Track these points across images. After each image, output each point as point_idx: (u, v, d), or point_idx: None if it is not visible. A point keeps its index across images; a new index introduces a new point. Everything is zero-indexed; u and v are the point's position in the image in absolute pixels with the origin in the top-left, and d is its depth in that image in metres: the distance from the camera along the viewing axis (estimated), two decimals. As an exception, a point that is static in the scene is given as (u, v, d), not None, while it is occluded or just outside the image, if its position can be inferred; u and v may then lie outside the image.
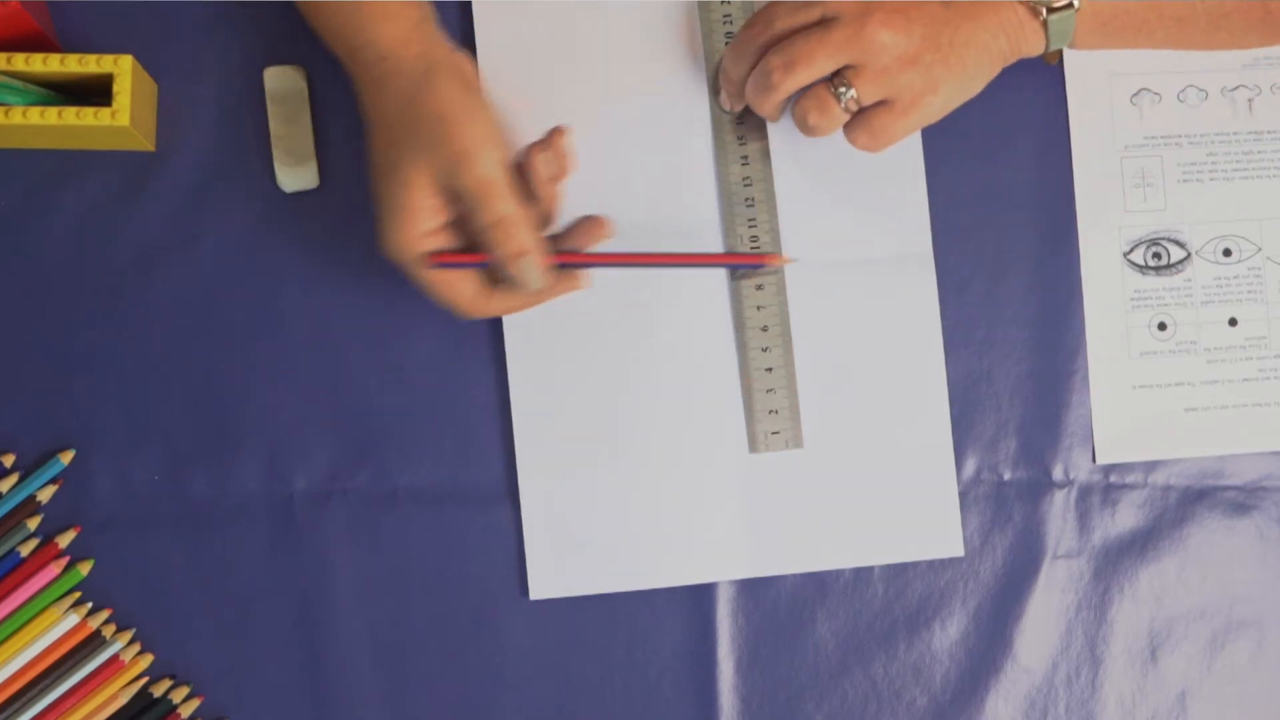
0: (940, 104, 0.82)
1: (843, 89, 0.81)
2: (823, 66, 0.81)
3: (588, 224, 0.83)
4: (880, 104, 0.82)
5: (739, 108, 0.88)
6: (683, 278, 0.89)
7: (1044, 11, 0.82)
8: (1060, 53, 0.90)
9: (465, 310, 0.83)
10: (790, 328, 0.89)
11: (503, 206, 0.79)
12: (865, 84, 0.81)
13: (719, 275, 0.89)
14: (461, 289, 0.82)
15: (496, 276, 0.82)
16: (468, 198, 0.79)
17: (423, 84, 0.80)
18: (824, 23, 0.81)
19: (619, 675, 0.88)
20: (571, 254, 0.83)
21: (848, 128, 0.83)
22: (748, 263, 0.87)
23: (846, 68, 0.81)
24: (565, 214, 0.88)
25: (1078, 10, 0.82)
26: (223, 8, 0.89)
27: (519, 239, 0.79)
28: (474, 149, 0.78)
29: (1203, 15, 0.85)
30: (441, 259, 0.81)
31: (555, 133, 0.83)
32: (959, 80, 0.82)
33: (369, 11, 0.81)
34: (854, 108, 0.82)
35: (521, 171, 0.82)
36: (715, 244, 0.89)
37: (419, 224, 0.80)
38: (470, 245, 0.82)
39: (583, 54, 0.89)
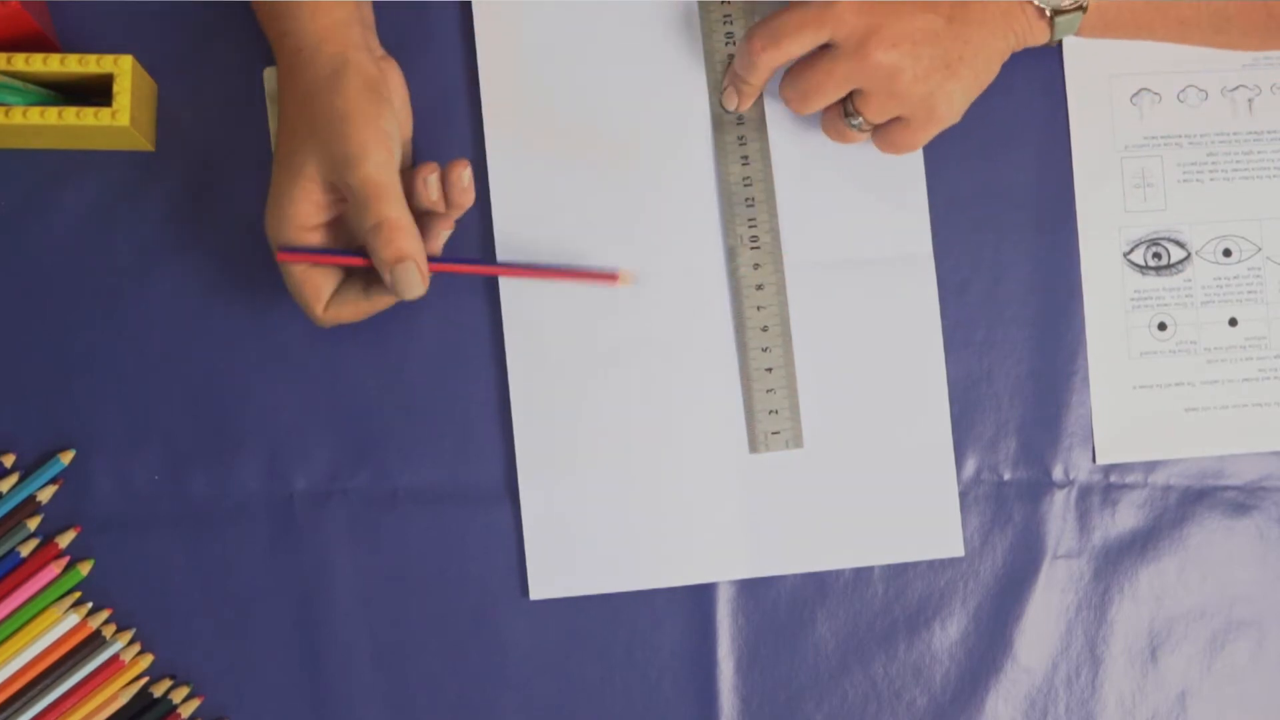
0: (954, 112, 0.83)
1: (852, 119, 0.84)
2: (832, 95, 0.83)
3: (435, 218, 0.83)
4: (897, 120, 0.83)
5: (745, 107, 0.88)
6: (684, 278, 0.89)
7: (1051, 12, 0.82)
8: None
9: (316, 314, 0.83)
10: (790, 328, 0.89)
11: (386, 209, 0.79)
12: (873, 109, 0.83)
13: (718, 276, 0.89)
14: (320, 290, 0.82)
15: (369, 280, 0.83)
16: (354, 198, 0.79)
17: (329, 82, 0.80)
18: (830, 48, 0.82)
19: (619, 675, 0.88)
20: (446, 262, 0.84)
21: (874, 140, 0.86)
22: (595, 280, 0.87)
23: (856, 92, 0.83)
24: (573, 215, 0.89)
25: (1086, 12, 0.83)
26: (223, 8, 0.89)
27: (399, 244, 0.79)
28: (365, 151, 0.78)
29: (1206, 18, 0.85)
30: (293, 256, 0.81)
31: (454, 163, 0.82)
32: (969, 86, 0.83)
33: (297, 3, 0.82)
34: (867, 129, 0.84)
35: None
36: (715, 243, 0.89)
37: (300, 216, 0.81)
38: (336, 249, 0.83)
39: (583, 54, 0.89)
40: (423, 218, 0.83)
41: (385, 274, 0.80)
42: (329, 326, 0.84)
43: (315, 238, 0.82)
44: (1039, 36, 0.84)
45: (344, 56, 0.81)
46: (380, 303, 0.83)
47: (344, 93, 0.80)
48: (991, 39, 0.82)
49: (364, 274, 0.83)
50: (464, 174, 0.82)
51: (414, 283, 0.80)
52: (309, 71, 0.81)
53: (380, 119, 0.80)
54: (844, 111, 0.84)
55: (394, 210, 0.79)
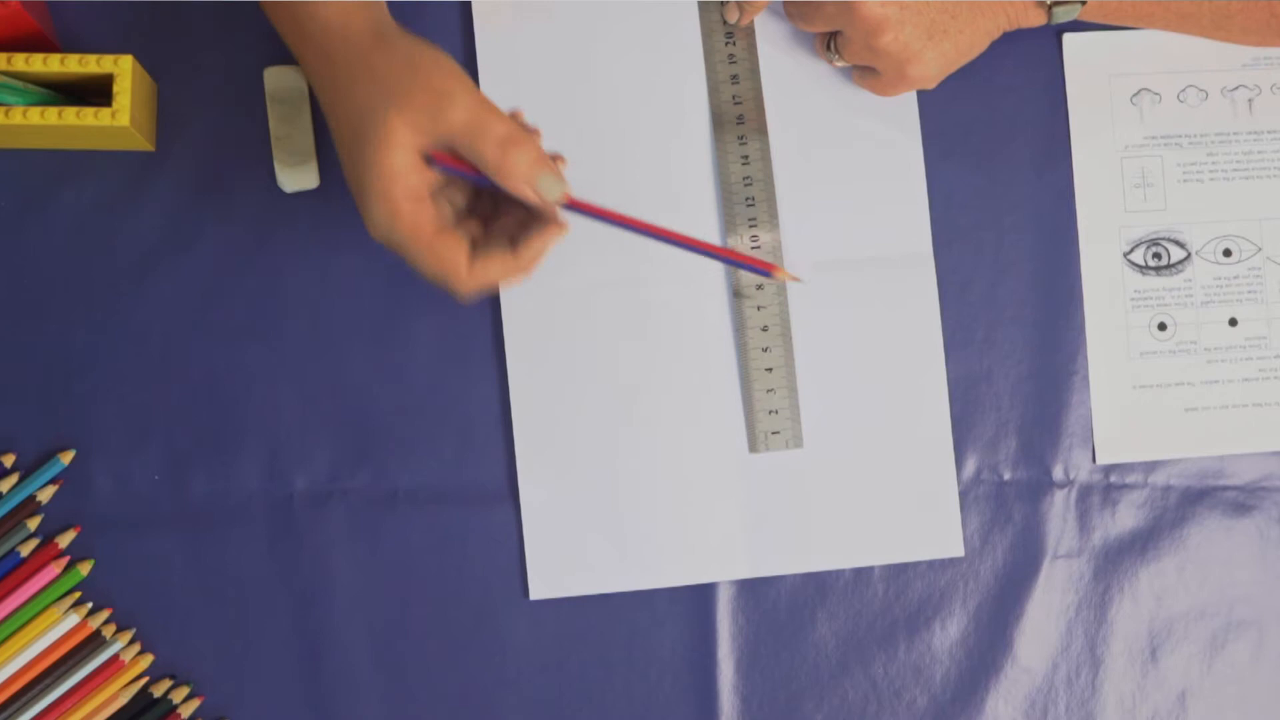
0: (926, 79, 0.85)
1: (832, 54, 0.88)
2: (820, 28, 0.86)
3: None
4: (870, 67, 0.86)
5: (745, 21, 0.89)
6: (683, 279, 0.89)
7: (1050, 2, 0.83)
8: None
9: (460, 282, 0.76)
10: (790, 328, 0.89)
11: (503, 127, 0.74)
12: (849, 53, 0.86)
13: (718, 276, 0.89)
14: (457, 257, 0.76)
15: (515, 235, 0.77)
16: (462, 134, 0.74)
17: (377, 43, 0.76)
18: None
19: (619, 675, 0.88)
20: (584, 204, 0.77)
21: (853, 74, 0.89)
22: (751, 265, 0.80)
23: (839, 32, 0.86)
24: (573, 215, 0.89)
25: (1085, 4, 0.84)
26: (223, 8, 0.89)
27: (530, 154, 0.74)
28: (453, 84, 0.74)
29: (1207, 13, 0.85)
30: (442, 160, 0.75)
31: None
32: (947, 57, 0.84)
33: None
34: (843, 63, 0.88)
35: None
36: (715, 243, 0.89)
37: (405, 185, 0.74)
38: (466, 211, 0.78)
39: (582, 54, 0.89)
40: None
41: (525, 195, 0.74)
42: (474, 290, 0.77)
43: (427, 212, 0.75)
44: (1034, 21, 0.85)
45: (379, 20, 0.77)
46: (528, 256, 0.77)
47: (398, 45, 0.75)
48: (981, 18, 0.84)
49: (510, 229, 0.77)
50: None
51: (556, 187, 0.75)
52: (349, 45, 0.76)
53: (445, 57, 0.76)
54: (826, 44, 0.87)
55: (509, 126, 0.74)
